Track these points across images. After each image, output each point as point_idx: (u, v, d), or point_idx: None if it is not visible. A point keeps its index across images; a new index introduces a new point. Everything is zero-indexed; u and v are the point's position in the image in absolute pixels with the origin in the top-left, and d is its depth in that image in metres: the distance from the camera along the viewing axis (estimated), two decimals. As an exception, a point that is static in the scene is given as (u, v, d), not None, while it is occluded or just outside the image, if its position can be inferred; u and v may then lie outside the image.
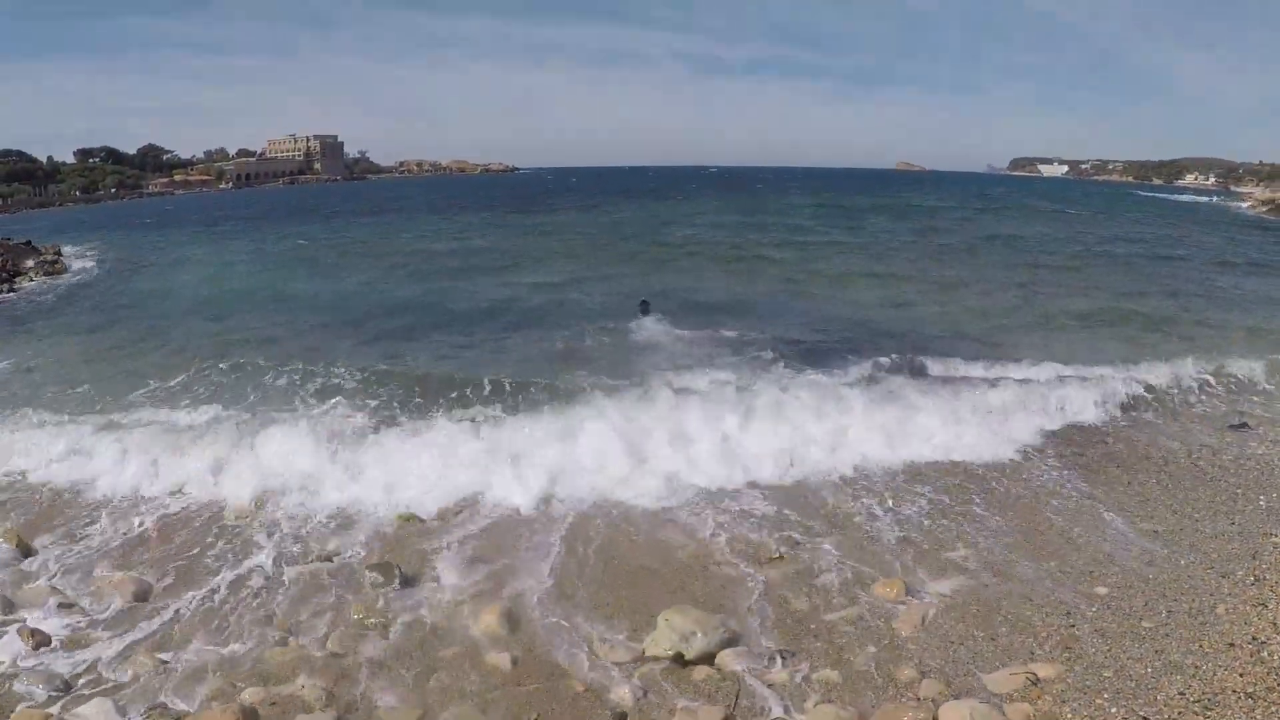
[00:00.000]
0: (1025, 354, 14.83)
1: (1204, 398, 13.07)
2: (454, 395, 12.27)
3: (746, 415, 10.74)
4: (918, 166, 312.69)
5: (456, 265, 28.87)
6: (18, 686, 6.10)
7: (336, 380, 13.21)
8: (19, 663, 6.42)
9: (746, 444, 10.24)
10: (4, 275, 29.07)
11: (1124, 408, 12.33)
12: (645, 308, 20.71)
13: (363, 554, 8.15)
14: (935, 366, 13.91)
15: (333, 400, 12.31)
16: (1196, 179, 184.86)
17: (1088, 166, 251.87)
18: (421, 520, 8.94)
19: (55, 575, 7.91)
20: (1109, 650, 6.15)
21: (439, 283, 24.70)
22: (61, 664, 6.44)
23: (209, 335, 17.68)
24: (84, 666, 6.41)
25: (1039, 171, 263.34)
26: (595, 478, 9.43)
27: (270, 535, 8.58)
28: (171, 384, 13.66)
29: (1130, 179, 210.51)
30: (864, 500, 9.26)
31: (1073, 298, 21.71)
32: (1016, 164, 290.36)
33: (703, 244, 33.97)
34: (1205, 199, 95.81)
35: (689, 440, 10.19)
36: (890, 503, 9.17)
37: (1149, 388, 12.97)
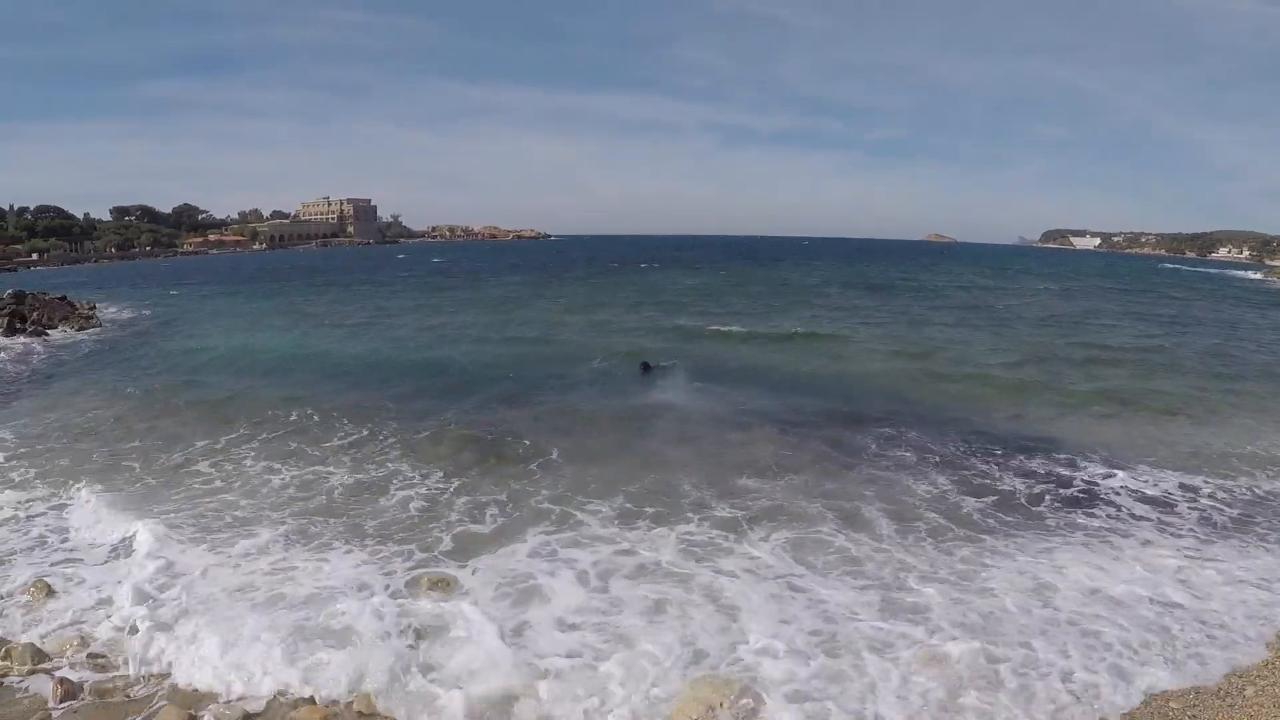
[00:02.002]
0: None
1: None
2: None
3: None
4: (948, 238, 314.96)
5: (484, 337, 29.00)
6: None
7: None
8: (52, 714, 6.43)
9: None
10: (40, 329, 30.44)
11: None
12: (646, 369, 21.01)
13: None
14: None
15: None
16: (1230, 252, 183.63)
17: (1120, 239, 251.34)
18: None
19: (84, 623, 7.88)
20: (1134, 731, 6.05)
21: (467, 354, 24.85)
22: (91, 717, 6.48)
23: (245, 398, 18.19)
24: (114, 720, 6.44)
25: (1071, 244, 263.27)
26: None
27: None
28: (219, 444, 14.25)
29: (1163, 252, 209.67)
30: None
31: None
32: (1048, 236, 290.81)
33: (736, 327, 32.52)
34: (1254, 275, 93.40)
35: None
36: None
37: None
